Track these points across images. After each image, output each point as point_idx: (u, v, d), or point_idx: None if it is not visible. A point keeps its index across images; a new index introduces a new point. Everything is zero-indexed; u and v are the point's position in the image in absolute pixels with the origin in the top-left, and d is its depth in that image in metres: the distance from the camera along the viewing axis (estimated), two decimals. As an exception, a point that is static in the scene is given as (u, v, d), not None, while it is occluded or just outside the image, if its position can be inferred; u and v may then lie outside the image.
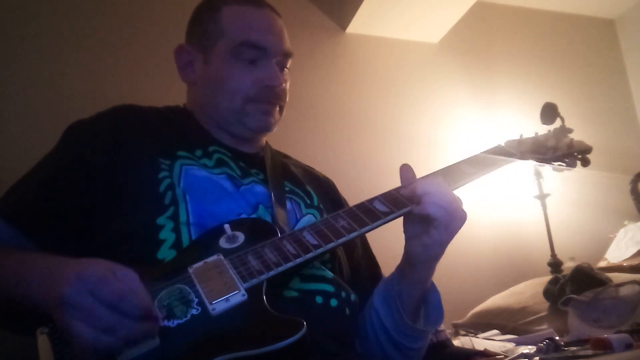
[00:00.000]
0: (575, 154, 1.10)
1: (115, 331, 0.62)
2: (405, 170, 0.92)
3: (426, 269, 0.89)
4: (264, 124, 1.03)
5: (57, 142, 0.97)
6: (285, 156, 1.20)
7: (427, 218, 0.84)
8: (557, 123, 1.14)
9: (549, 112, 1.15)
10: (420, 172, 0.96)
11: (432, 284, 0.94)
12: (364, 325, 0.97)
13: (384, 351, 0.94)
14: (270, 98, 1.03)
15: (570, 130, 1.11)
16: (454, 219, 0.84)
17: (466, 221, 0.86)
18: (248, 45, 1.01)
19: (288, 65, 1.09)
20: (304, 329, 0.68)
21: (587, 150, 1.11)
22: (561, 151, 1.08)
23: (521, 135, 1.11)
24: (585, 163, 1.11)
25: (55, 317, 0.64)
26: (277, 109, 1.06)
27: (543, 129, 1.15)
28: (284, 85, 1.04)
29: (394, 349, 0.93)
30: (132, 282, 0.65)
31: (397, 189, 0.91)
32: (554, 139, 1.09)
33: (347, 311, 0.92)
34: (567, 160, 1.09)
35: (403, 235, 0.91)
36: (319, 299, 0.88)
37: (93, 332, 0.61)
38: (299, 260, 0.78)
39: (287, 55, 1.06)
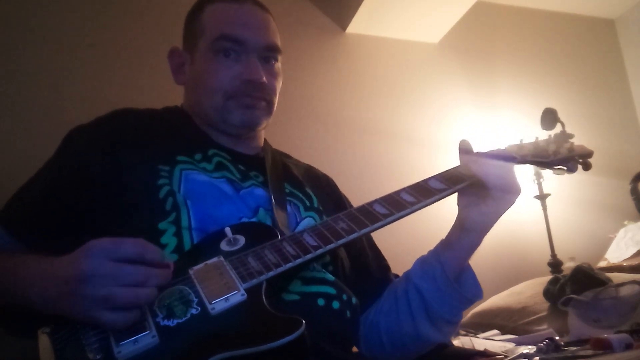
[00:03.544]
0: (577, 158, 1.10)
1: (147, 281, 0.66)
2: (464, 145, 0.99)
3: (478, 236, 0.94)
4: (248, 118, 1.01)
5: (57, 149, 0.97)
6: (286, 156, 1.20)
7: (486, 187, 0.90)
8: (558, 128, 1.13)
9: (549, 118, 1.15)
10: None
11: (469, 265, 0.98)
12: (394, 309, 0.98)
13: (417, 329, 0.95)
14: (251, 92, 1.00)
15: (571, 136, 1.10)
16: (510, 190, 0.90)
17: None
18: (224, 38, 0.99)
19: (277, 60, 1.07)
20: (303, 328, 0.68)
21: (588, 154, 1.11)
22: (562, 155, 1.08)
23: (521, 140, 1.11)
24: (587, 167, 1.10)
25: (74, 299, 0.65)
26: (264, 104, 1.03)
27: (543, 133, 1.15)
28: (265, 79, 1.01)
29: (431, 325, 0.94)
30: (138, 239, 0.68)
31: (397, 192, 0.91)
32: (555, 143, 1.09)
33: (348, 314, 0.92)
34: (568, 164, 1.09)
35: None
36: (320, 302, 0.88)
37: (127, 289, 0.64)
38: (298, 260, 0.78)
39: (270, 49, 1.04)
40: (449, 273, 0.93)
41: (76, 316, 0.67)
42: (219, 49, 1.00)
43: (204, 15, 1.04)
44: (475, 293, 0.96)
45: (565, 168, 1.09)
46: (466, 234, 0.93)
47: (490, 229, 0.93)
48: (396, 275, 1.13)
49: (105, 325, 0.66)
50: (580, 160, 1.10)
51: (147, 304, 0.67)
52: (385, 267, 1.14)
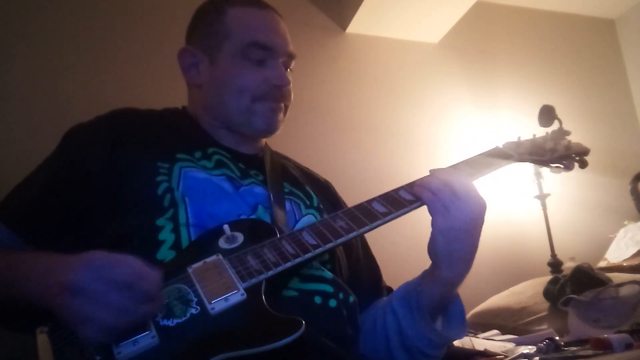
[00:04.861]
0: (573, 155, 1.10)
1: (130, 312, 0.64)
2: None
3: (444, 265, 0.86)
4: (272, 121, 1.04)
5: (56, 147, 0.97)
6: (285, 158, 1.20)
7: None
8: (555, 125, 1.14)
9: (547, 114, 1.16)
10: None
11: (458, 297, 0.93)
12: (371, 327, 0.96)
13: (391, 355, 0.92)
14: (277, 97, 1.03)
15: (568, 133, 1.11)
16: (450, 203, 0.84)
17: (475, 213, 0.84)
18: (256, 45, 1.02)
19: (292, 67, 1.10)
20: (303, 328, 0.68)
21: (584, 152, 1.11)
22: (559, 153, 1.08)
23: (519, 137, 1.11)
24: (583, 165, 1.11)
25: (63, 307, 0.64)
26: (284, 108, 1.07)
27: (542, 131, 1.15)
28: (290, 85, 1.05)
29: (405, 353, 0.91)
30: (139, 264, 0.66)
31: (395, 190, 0.91)
32: (552, 141, 1.09)
33: (345, 312, 0.92)
34: (565, 162, 1.09)
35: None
36: (317, 299, 0.88)
37: (109, 315, 0.63)
38: (297, 260, 0.78)
39: (291, 56, 1.08)
40: (425, 304, 0.88)
41: (63, 321, 0.66)
42: (250, 55, 1.01)
43: (227, 17, 1.04)
44: (457, 331, 0.91)
45: (562, 166, 1.10)
46: (433, 264, 0.88)
47: (452, 253, 0.84)
48: (389, 289, 1.12)
49: (86, 340, 0.65)
50: (577, 158, 1.11)
51: (123, 331, 0.65)
52: (377, 277, 1.13)
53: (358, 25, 2.30)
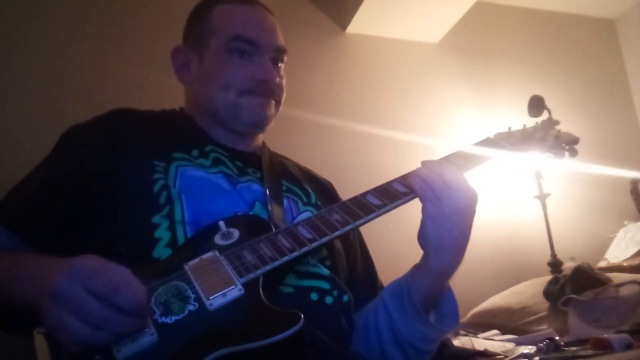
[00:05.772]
0: (563, 145, 1.11)
1: (106, 325, 0.61)
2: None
3: (433, 254, 0.86)
4: (259, 117, 1.03)
5: (53, 147, 0.98)
6: (284, 157, 1.20)
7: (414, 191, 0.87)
8: (545, 115, 1.15)
9: (536, 105, 1.17)
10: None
11: (449, 290, 0.92)
12: (363, 324, 0.96)
13: (383, 352, 0.92)
14: (265, 92, 1.03)
15: (557, 122, 1.12)
16: (440, 191, 0.83)
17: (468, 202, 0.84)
18: (239, 39, 1.02)
19: (284, 61, 1.10)
20: (302, 322, 0.68)
21: (574, 141, 1.12)
22: (549, 142, 1.09)
23: (510, 128, 1.11)
24: (573, 153, 1.11)
25: (45, 311, 0.62)
26: (274, 103, 1.06)
27: (532, 122, 1.16)
28: (278, 80, 1.05)
29: (397, 349, 0.90)
30: (124, 275, 0.63)
31: (389, 183, 0.91)
32: (542, 130, 1.10)
33: (338, 310, 0.92)
34: (555, 151, 1.10)
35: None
36: (314, 296, 0.88)
37: (83, 326, 0.60)
38: (294, 254, 0.78)
39: (280, 51, 1.07)
40: (416, 297, 0.87)
41: (48, 321, 0.63)
42: (233, 49, 1.02)
43: (213, 15, 1.05)
44: (450, 323, 0.90)
45: (552, 155, 1.10)
46: (425, 256, 0.88)
47: (443, 244, 0.84)
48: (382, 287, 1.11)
49: (63, 345, 0.62)
50: (567, 147, 1.11)
51: (96, 346, 0.62)
52: (373, 278, 1.13)
53: (358, 25, 2.30)
